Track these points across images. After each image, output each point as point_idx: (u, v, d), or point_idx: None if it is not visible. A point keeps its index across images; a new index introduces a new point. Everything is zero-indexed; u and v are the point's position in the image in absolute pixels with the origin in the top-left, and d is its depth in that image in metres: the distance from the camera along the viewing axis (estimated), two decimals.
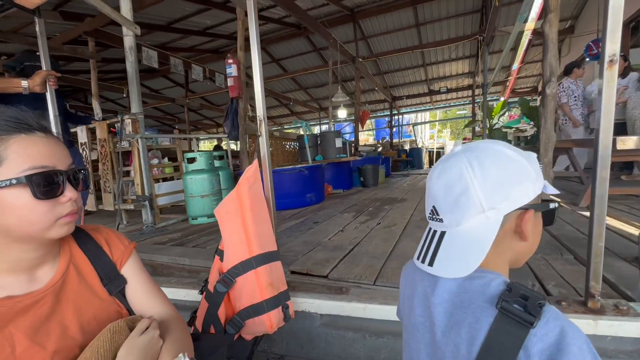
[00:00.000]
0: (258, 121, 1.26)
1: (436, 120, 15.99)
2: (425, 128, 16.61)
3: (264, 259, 1.06)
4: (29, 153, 0.54)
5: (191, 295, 1.40)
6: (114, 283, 0.69)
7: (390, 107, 11.50)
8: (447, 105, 12.98)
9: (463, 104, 12.34)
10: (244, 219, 1.06)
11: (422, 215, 2.59)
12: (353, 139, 7.26)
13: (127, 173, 3.06)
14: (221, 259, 1.10)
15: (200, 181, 2.85)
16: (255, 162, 1.15)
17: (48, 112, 2.19)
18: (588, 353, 0.39)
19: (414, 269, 0.59)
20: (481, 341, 0.44)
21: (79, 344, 0.59)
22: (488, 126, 8.08)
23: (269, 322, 1.03)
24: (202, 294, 1.12)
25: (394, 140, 12.41)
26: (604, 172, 0.87)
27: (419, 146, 12.13)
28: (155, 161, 3.34)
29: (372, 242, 1.89)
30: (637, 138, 2.20)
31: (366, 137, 15.58)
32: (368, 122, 16.34)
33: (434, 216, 0.52)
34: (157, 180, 3.68)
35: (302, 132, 4.47)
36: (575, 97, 4.32)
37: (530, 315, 0.41)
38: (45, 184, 0.55)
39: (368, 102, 12.20)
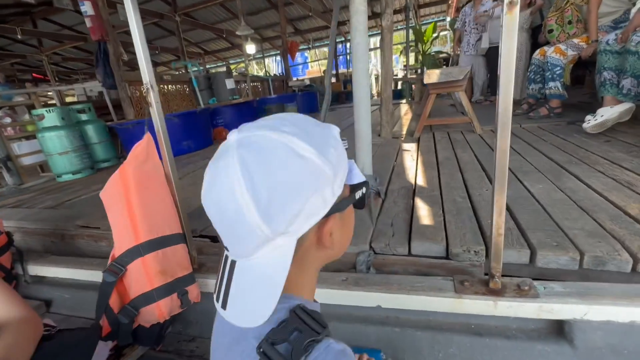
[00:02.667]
0: (145, 89, 1.00)
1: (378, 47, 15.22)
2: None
3: (155, 245, 0.99)
4: None
5: (95, 276, 1.33)
6: None
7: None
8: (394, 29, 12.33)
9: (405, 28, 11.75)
10: (128, 203, 0.97)
11: None
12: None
13: None
14: None
15: (55, 138, 2.82)
16: (147, 136, 1.01)
17: None
18: None
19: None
20: None
21: None
22: (420, 51, 7.93)
23: (159, 311, 0.99)
24: None
25: (342, 71, 12.01)
26: (504, 131, 0.71)
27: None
28: (7, 120, 3.20)
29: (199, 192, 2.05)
30: (438, 71, 2.31)
31: (318, 69, 14.90)
32: (324, 51, 15.43)
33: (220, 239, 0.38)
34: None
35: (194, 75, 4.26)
36: (467, 21, 4.28)
37: None
38: None
39: (311, 29, 11.41)
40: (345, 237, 0.44)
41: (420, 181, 1.63)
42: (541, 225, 1.06)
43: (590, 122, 2.07)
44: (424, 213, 1.26)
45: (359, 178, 0.41)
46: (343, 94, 10.67)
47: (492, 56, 4.12)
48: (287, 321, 0.35)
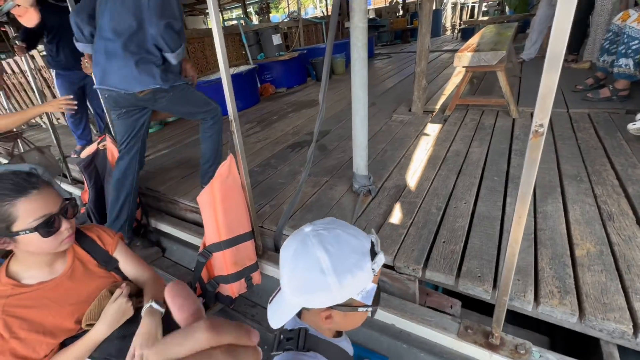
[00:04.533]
0: (229, 120, 1.22)
1: None
2: None
3: (232, 242, 1.33)
4: (31, 209, 0.79)
5: (192, 239, 1.81)
6: (109, 264, 1.02)
7: None
8: None
9: None
10: (215, 211, 1.27)
11: (301, 128, 2.96)
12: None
13: None
14: None
15: None
16: (230, 157, 1.26)
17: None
18: None
19: None
20: None
21: (88, 304, 0.93)
22: None
23: (232, 290, 1.39)
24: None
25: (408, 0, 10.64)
26: (532, 158, 0.69)
27: (440, 7, 10.31)
28: None
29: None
30: (470, 54, 2.14)
31: None
32: None
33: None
34: None
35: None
36: None
37: None
38: (47, 227, 0.81)
39: None
40: (347, 325, 0.65)
41: (414, 182, 1.76)
42: (482, 253, 1.21)
43: (637, 123, 1.84)
44: (394, 222, 1.46)
45: (368, 300, 0.57)
46: (408, 31, 9.70)
47: None
48: (292, 331, 0.64)
